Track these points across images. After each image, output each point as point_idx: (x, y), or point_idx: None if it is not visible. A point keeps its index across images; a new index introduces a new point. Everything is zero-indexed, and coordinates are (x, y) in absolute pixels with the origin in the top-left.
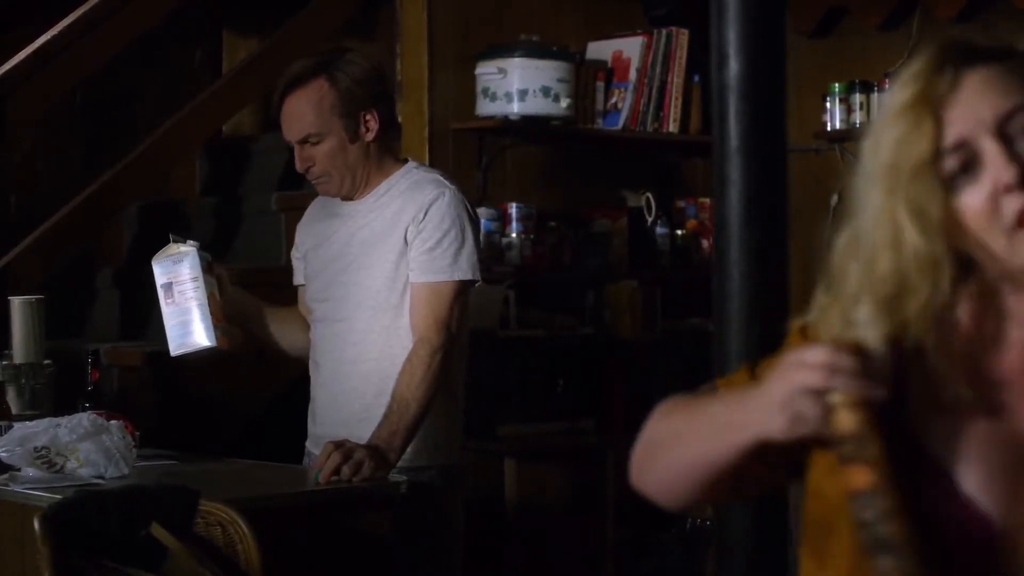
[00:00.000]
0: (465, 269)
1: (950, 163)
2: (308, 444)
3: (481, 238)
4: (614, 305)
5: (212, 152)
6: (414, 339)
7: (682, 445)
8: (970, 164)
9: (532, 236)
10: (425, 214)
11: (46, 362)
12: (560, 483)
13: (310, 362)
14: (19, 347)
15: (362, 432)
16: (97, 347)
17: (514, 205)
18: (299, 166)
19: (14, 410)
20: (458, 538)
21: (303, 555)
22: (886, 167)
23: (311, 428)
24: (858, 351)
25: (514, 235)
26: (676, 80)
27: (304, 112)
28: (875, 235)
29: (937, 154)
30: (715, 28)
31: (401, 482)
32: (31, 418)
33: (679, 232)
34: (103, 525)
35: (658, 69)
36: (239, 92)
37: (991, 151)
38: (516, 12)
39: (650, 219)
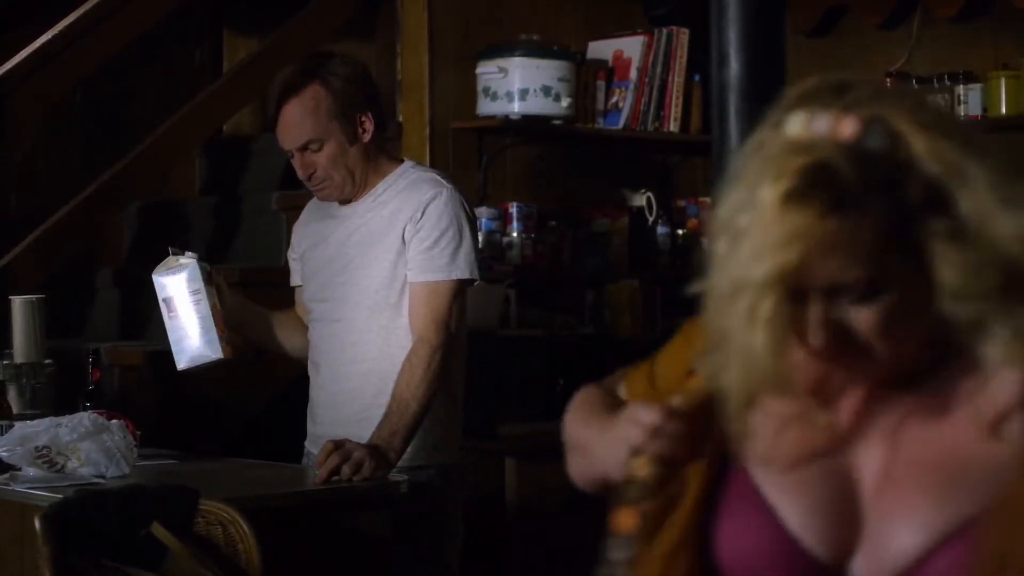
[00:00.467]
0: (463, 268)
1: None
2: (307, 444)
3: (481, 237)
4: (614, 305)
5: (212, 152)
6: (413, 339)
7: (582, 456)
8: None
9: (532, 235)
10: (423, 213)
11: (47, 361)
12: (560, 483)
13: (309, 362)
14: (20, 346)
15: (362, 432)
16: (97, 346)
17: (514, 204)
18: (301, 174)
19: (15, 409)
20: (457, 538)
21: (303, 554)
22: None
23: (310, 428)
24: (689, 410)
25: (514, 234)
26: (677, 79)
27: (302, 119)
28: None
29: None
30: (715, 28)
31: (401, 481)
32: (32, 417)
33: (680, 232)
34: (103, 524)
35: (659, 69)
36: (239, 92)
37: (813, 309)
38: (516, 11)
39: (651, 219)
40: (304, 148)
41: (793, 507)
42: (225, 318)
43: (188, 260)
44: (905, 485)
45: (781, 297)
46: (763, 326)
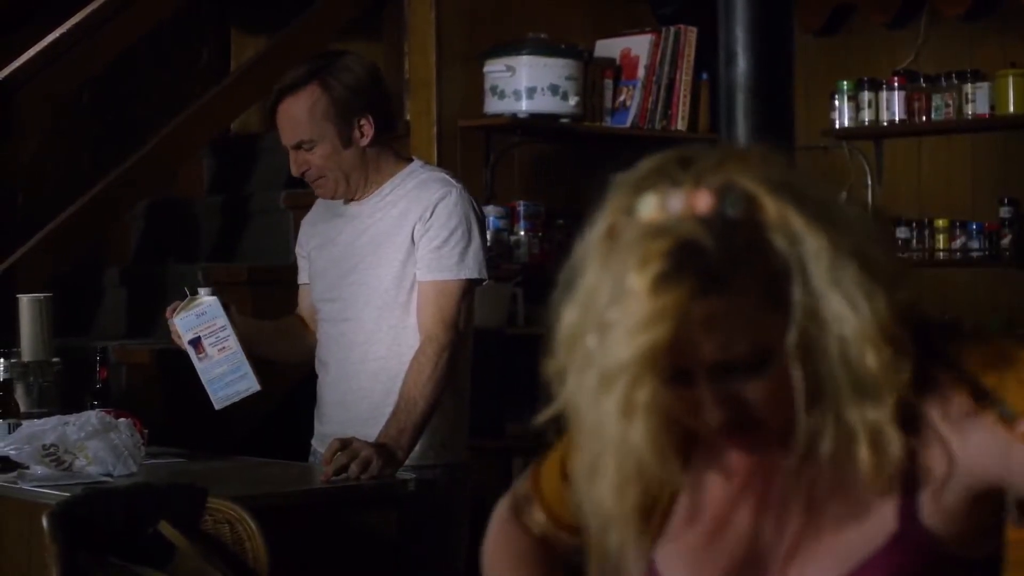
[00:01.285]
0: (472, 268)
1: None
2: (314, 443)
3: (489, 236)
4: None
5: (219, 150)
6: (421, 338)
7: None
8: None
9: (540, 234)
10: (432, 212)
11: (54, 360)
12: None
13: (316, 362)
14: (27, 345)
15: (371, 431)
16: (105, 345)
17: (522, 203)
18: (295, 170)
19: (22, 408)
20: (463, 536)
21: (310, 552)
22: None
23: (318, 427)
24: None
25: (522, 233)
26: (684, 78)
27: (297, 117)
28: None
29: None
30: (723, 26)
31: (408, 480)
32: (39, 416)
33: None
34: (111, 523)
35: (666, 67)
36: (246, 90)
37: (704, 391)
38: (524, 10)
39: None
40: (298, 146)
41: None
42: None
43: (208, 298)
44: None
45: (659, 380)
46: (641, 414)
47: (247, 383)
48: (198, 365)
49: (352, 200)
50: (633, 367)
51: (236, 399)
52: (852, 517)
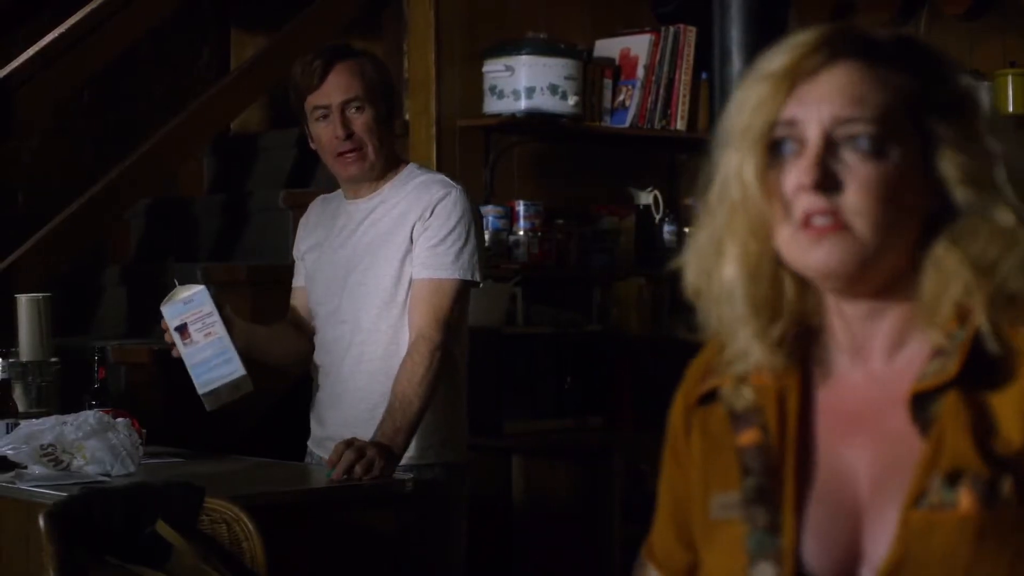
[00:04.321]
0: (467, 268)
1: (778, 131)
2: (310, 444)
3: (488, 235)
4: (621, 302)
5: (220, 149)
6: (412, 336)
7: None
8: (790, 145)
9: (539, 233)
10: (432, 212)
11: (53, 360)
12: (567, 480)
13: (313, 363)
14: (26, 345)
15: (369, 432)
16: (104, 344)
17: (521, 202)
18: (340, 132)
19: (20, 408)
20: (462, 535)
21: (308, 552)
22: (741, 129)
23: (315, 429)
24: None
25: (521, 232)
26: (684, 77)
27: (352, 77)
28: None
29: (775, 123)
30: (718, 26)
31: (407, 480)
32: (37, 415)
33: (686, 229)
34: (108, 522)
35: (666, 67)
36: (246, 89)
37: (811, 146)
38: (523, 9)
39: (657, 216)
40: (348, 103)
41: (807, 541)
42: (237, 345)
43: (198, 287)
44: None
45: (764, 150)
46: (751, 178)
47: (231, 367)
48: (183, 350)
49: (362, 186)
50: (753, 135)
51: (220, 383)
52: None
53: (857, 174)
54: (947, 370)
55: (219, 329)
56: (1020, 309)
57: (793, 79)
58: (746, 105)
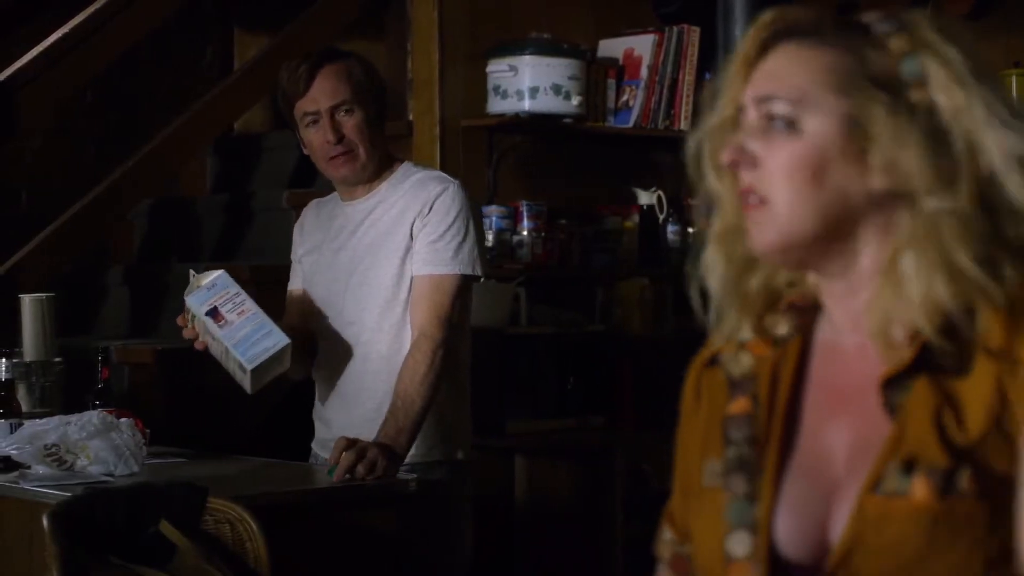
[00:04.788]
0: (467, 263)
1: (748, 115)
2: (314, 446)
3: (491, 236)
4: (624, 302)
5: (222, 149)
6: (414, 334)
7: None
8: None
9: (542, 233)
10: (431, 208)
11: (56, 360)
12: (569, 480)
13: (316, 364)
14: (29, 345)
15: (374, 432)
16: (107, 344)
17: (524, 203)
18: (331, 137)
19: (24, 408)
20: (466, 535)
21: (312, 552)
22: (714, 121)
23: (319, 429)
24: None
25: (524, 232)
26: (687, 78)
27: (339, 81)
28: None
29: (738, 109)
30: (721, 26)
31: (410, 480)
32: (41, 416)
33: (690, 230)
34: (111, 522)
35: (669, 67)
36: (249, 89)
37: (741, 126)
38: (527, 9)
39: (661, 216)
40: (337, 107)
41: (780, 520)
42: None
43: (218, 272)
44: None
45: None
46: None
47: (275, 338)
48: (220, 333)
49: (356, 188)
50: (730, 83)
51: (267, 356)
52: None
53: (773, 151)
54: (903, 358)
55: (251, 306)
56: (979, 294)
57: (747, 66)
58: (716, 96)
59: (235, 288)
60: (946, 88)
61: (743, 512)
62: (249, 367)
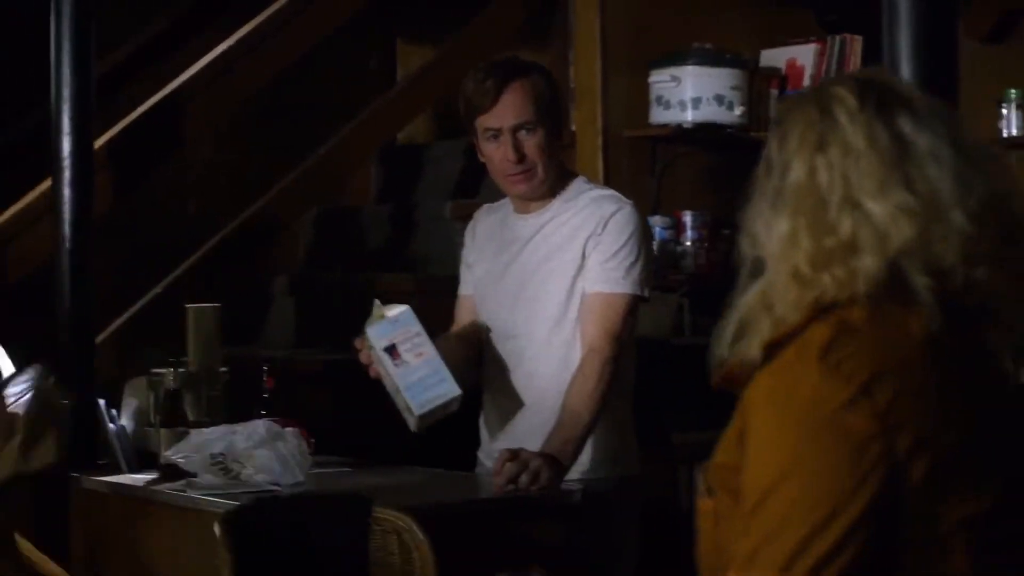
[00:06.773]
0: (637, 284)
1: None
2: (480, 455)
3: (655, 246)
4: None
5: (387, 159)
6: (584, 349)
7: None
8: None
9: (706, 244)
10: (605, 227)
11: (222, 370)
12: None
13: (483, 375)
14: (195, 354)
15: (539, 445)
16: (272, 354)
17: (688, 213)
18: (511, 155)
19: (190, 417)
20: (633, 549)
21: (477, 563)
22: None
23: (485, 439)
24: None
25: (688, 243)
26: None
27: (525, 99)
28: None
29: None
30: (886, 33)
31: (576, 490)
32: (207, 425)
33: None
34: (279, 532)
35: (832, 76)
36: (413, 100)
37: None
38: (689, 20)
39: None
40: (519, 127)
41: None
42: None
43: (403, 307)
44: None
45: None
46: None
47: (447, 387)
48: (395, 371)
49: (533, 201)
50: None
51: (436, 404)
52: None
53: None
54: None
55: (429, 349)
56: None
57: None
58: None
59: (417, 327)
60: None
61: None
62: (417, 412)
